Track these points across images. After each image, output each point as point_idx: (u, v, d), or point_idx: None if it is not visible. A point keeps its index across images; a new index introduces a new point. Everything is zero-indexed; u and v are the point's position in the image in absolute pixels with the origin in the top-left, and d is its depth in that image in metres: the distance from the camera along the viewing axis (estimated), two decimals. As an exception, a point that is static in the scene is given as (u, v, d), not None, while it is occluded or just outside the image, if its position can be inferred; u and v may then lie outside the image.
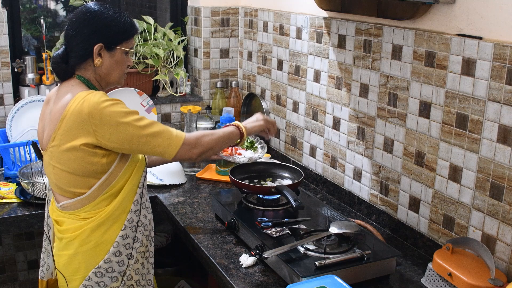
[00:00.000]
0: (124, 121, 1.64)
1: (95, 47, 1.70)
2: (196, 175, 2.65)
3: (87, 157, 1.65)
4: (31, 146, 1.96)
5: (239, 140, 1.94)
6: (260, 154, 2.24)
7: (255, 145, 2.31)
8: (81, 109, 1.62)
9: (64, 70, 1.75)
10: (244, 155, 2.23)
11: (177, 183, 2.53)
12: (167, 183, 2.50)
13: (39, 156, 1.82)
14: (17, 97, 2.93)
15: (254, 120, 2.03)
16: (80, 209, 1.72)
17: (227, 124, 1.98)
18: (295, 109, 2.71)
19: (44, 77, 2.92)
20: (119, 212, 1.74)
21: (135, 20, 2.99)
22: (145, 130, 1.67)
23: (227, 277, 1.79)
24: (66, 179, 1.70)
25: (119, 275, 1.75)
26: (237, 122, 1.96)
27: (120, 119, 1.63)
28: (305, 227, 1.92)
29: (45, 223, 1.92)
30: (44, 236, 1.93)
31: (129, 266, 1.77)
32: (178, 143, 1.71)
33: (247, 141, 2.29)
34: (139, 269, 1.81)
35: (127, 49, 1.77)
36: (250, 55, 3.12)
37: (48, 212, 1.88)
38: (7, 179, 2.50)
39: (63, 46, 1.77)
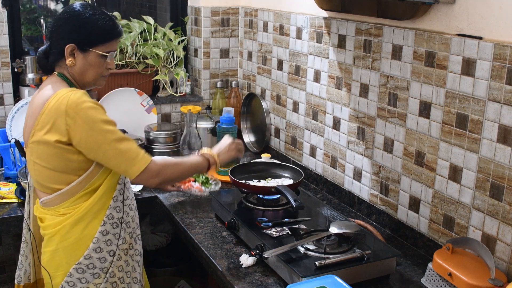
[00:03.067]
0: (98, 127, 1.63)
1: (67, 47, 1.71)
2: (196, 175, 2.65)
3: (64, 154, 1.67)
4: (14, 144, 1.98)
5: (206, 171, 1.95)
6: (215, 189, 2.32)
7: (210, 181, 2.33)
8: (59, 105, 1.63)
9: (45, 66, 1.79)
10: (202, 189, 2.29)
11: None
12: (167, 183, 2.50)
13: (22, 153, 1.84)
14: (17, 97, 2.92)
15: (226, 150, 2.02)
16: (59, 205, 1.74)
17: (198, 152, 1.96)
18: (295, 109, 2.71)
19: (44, 77, 2.92)
20: (98, 207, 1.75)
21: (135, 20, 3.00)
22: (115, 144, 1.65)
23: (227, 277, 1.79)
24: (45, 175, 1.72)
25: (101, 272, 1.77)
26: (209, 153, 1.95)
27: (94, 125, 1.63)
28: (305, 227, 1.92)
29: (24, 225, 1.93)
30: (23, 238, 1.94)
31: (112, 263, 1.78)
32: (140, 167, 1.68)
33: (202, 177, 2.32)
34: (122, 267, 1.82)
35: (101, 53, 1.74)
36: (250, 55, 3.12)
37: (27, 214, 1.90)
38: (7, 179, 2.50)
39: (48, 42, 1.80)
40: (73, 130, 1.63)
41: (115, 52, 1.82)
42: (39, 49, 1.81)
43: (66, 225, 1.73)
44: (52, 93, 1.67)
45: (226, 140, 2.06)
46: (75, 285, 1.76)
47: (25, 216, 1.92)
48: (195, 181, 2.35)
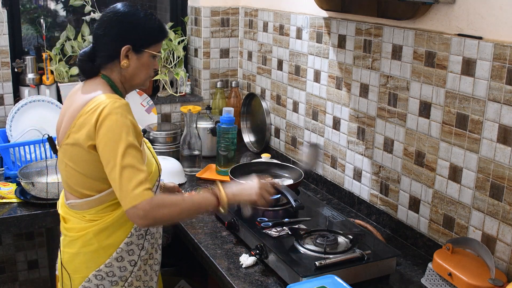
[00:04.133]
0: (113, 144, 1.57)
1: (123, 48, 1.68)
2: (196, 175, 2.65)
3: (96, 161, 1.62)
4: (47, 140, 1.94)
5: (212, 211, 1.76)
6: None
7: None
8: (96, 109, 1.59)
9: (90, 69, 1.74)
10: None
11: (177, 183, 2.53)
12: (167, 183, 2.50)
13: (54, 150, 1.80)
14: (17, 97, 2.92)
15: (246, 193, 1.79)
16: (86, 211, 1.71)
17: (209, 187, 1.77)
18: (295, 109, 2.71)
19: (44, 77, 2.92)
20: (126, 218, 1.69)
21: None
22: (119, 168, 1.56)
23: (227, 277, 1.79)
24: (76, 179, 1.68)
25: (119, 280, 1.74)
26: (219, 188, 1.74)
27: (111, 140, 1.57)
28: (305, 227, 1.92)
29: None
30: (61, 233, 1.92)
31: (132, 272, 1.76)
32: (130, 202, 1.55)
33: None
34: (141, 276, 1.80)
35: (154, 53, 1.74)
36: (250, 55, 3.12)
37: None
38: (7, 179, 2.50)
39: (91, 45, 1.76)
40: (97, 135, 1.58)
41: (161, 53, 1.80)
42: (80, 52, 1.76)
43: (90, 232, 1.70)
44: (92, 97, 1.63)
45: (253, 181, 1.82)
46: None
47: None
48: None
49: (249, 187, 1.80)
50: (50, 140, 1.87)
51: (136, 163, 1.58)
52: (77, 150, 1.64)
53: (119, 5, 1.72)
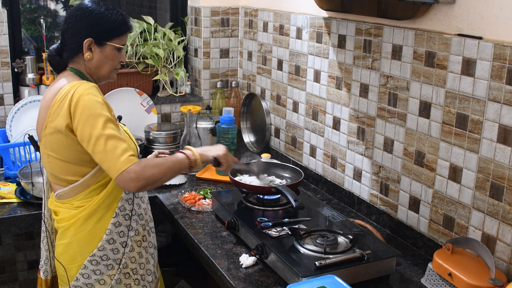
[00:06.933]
0: (93, 120, 1.64)
1: (85, 41, 1.75)
2: (196, 175, 2.65)
3: (75, 145, 1.70)
4: (28, 140, 2.02)
5: (188, 169, 1.85)
6: None
7: None
8: (68, 93, 1.67)
9: (58, 63, 1.82)
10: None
11: (177, 183, 2.53)
12: (167, 183, 2.50)
13: (37, 148, 1.86)
14: (17, 97, 2.93)
15: (215, 147, 1.96)
16: (73, 198, 1.78)
17: (180, 150, 1.89)
18: (295, 109, 2.71)
19: (44, 77, 2.93)
20: (110, 200, 1.78)
21: (135, 20, 3.01)
22: (103, 140, 1.63)
23: (227, 277, 1.79)
24: (60, 167, 1.75)
25: (114, 263, 1.80)
26: (190, 149, 1.87)
27: (90, 116, 1.64)
28: (305, 227, 1.92)
29: (42, 218, 1.95)
30: (42, 235, 1.96)
31: (124, 254, 1.81)
32: (120, 168, 1.61)
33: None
34: (135, 258, 1.85)
35: (117, 45, 1.80)
36: (250, 55, 3.12)
37: (47, 209, 1.92)
38: (7, 179, 2.50)
39: (59, 40, 1.84)
40: (73, 117, 1.66)
41: (125, 46, 1.84)
42: (50, 48, 1.85)
43: (80, 218, 1.76)
44: (63, 85, 1.71)
45: (220, 145, 2.00)
46: (90, 277, 1.79)
47: (44, 211, 1.95)
48: (204, 198, 2.36)
49: (216, 147, 1.96)
50: (31, 138, 1.93)
51: (117, 133, 1.66)
52: (56, 138, 1.71)
53: (84, 1, 1.81)
